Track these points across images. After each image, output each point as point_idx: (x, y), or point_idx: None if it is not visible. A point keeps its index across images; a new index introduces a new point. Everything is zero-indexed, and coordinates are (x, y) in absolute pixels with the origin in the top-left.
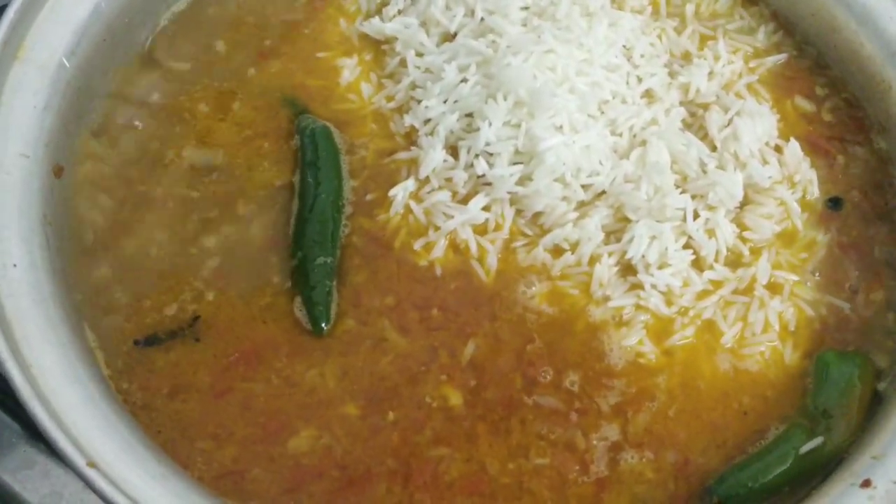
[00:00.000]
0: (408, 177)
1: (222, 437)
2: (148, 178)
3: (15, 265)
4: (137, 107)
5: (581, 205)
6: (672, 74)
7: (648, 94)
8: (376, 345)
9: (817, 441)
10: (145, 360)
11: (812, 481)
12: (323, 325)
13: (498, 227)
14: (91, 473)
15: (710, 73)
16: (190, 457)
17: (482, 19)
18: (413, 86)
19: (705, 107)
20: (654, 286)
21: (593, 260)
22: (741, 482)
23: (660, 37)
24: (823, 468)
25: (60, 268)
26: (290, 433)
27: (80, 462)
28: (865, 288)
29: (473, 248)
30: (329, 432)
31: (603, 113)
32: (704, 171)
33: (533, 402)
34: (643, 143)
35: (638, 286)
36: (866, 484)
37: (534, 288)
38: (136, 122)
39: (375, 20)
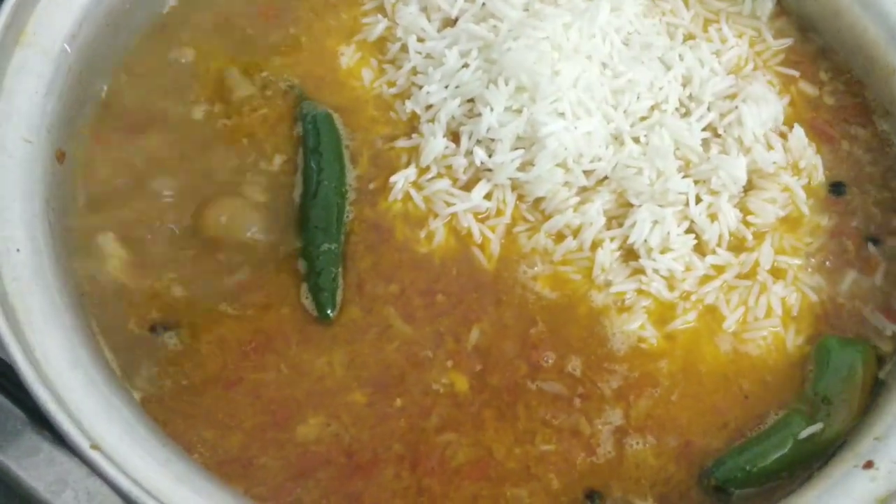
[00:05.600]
0: (409, 164)
1: (231, 425)
2: (147, 163)
3: (18, 250)
4: (140, 91)
5: (583, 190)
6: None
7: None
8: (382, 332)
9: (816, 427)
10: (150, 346)
11: (812, 466)
12: (329, 311)
13: (500, 213)
14: (95, 456)
15: (714, 57)
16: (195, 443)
17: (483, 4)
18: (414, 71)
19: None
20: (655, 271)
21: (595, 245)
22: (739, 466)
23: (662, 21)
24: (823, 453)
25: (63, 253)
26: (299, 421)
27: (83, 444)
28: (868, 273)
29: (476, 235)
30: (337, 419)
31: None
32: (707, 156)
33: (537, 388)
34: (646, 127)
35: (640, 271)
36: (868, 465)
37: (536, 268)
38: (139, 106)
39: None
